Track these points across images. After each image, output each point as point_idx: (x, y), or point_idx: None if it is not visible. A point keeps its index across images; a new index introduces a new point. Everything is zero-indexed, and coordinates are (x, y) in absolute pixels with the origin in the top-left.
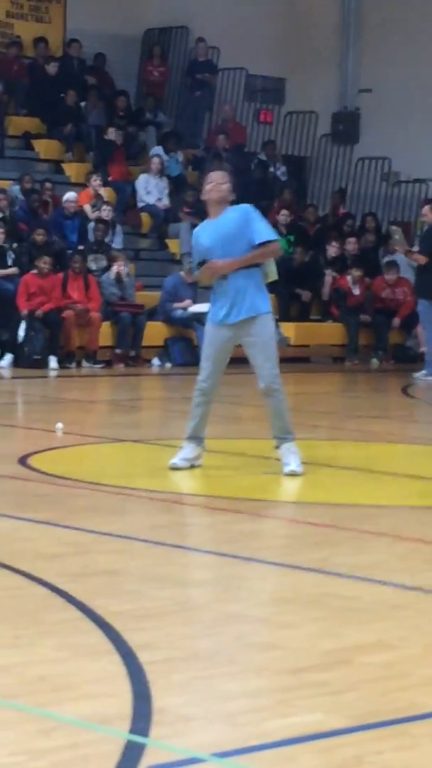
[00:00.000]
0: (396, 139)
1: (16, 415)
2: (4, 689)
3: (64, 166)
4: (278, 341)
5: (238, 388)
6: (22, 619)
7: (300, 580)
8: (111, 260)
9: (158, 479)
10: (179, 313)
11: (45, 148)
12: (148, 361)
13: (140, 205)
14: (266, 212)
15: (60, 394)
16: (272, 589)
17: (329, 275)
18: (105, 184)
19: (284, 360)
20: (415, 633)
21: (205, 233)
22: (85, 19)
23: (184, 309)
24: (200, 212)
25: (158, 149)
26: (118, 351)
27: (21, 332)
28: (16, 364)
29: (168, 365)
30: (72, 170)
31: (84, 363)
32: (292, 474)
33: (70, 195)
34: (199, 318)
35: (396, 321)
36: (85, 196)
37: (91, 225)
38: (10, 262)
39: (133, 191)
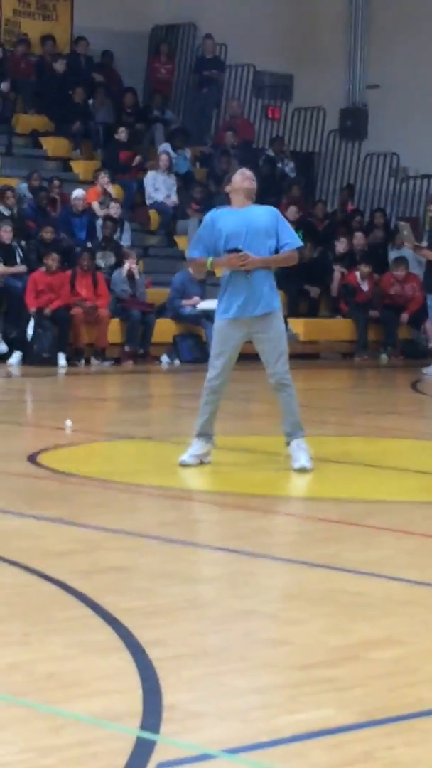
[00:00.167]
0: (404, 134)
1: (25, 413)
2: (14, 687)
3: (72, 163)
4: (287, 337)
5: (248, 385)
6: (31, 616)
7: (309, 576)
8: (123, 257)
9: (167, 476)
10: (188, 310)
11: (53, 145)
12: (157, 358)
13: (148, 202)
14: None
15: (69, 391)
16: (281, 586)
17: (338, 271)
18: (113, 180)
19: (293, 356)
20: (423, 629)
21: (228, 219)
22: (92, 16)
23: (193, 306)
24: (208, 209)
25: (166, 146)
26: (127, 348)
27: (30, 330)
28: (25, 361)
29: (177, 362)
30: (80, 168)
31: (93, 360)
32: (302, 470)
33: (78, 192)
34: (208, 315)
35: (404, 316)
36: (93, 193)
37: (99, 222)
38: (18, 259)
39: (141, 188)
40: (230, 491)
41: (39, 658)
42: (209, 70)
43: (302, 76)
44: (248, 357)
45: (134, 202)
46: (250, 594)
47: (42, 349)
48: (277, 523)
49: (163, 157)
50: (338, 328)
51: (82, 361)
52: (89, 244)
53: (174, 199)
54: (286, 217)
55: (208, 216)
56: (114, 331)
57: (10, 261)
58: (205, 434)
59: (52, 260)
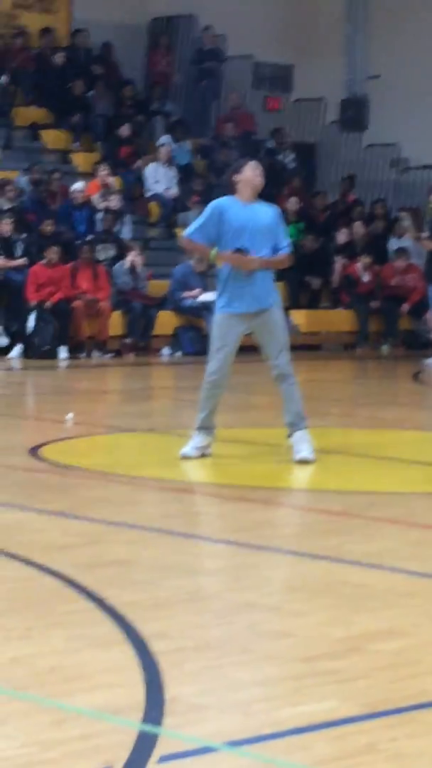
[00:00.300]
0: (404, 125)
1: (27, 406)
2: (16, 680)
3: (72, 156)
4: (288, 329)
5: (249, 377)
6: (33, 610)
7: (311, 568)
8: (125, 250)
9: (169, 468)
10: (189, 302)
11: (52, 138)
12: (158, 350)
13: (149, 194)
14: (275, 200)
15: (70, 384)
16: (283, 578)
17: (339, 262)
18: (113, 173)
19: (295, 348)
20: (426, 620)
21: (236, 212)
22: (91, 8)
23: (194, 298)
24: (209, 201)
25: (166, 138)
26: (128, 340)
27: (31, 323)
28: (26, 354)
29: (178, 354)
30: (80, 160)
31: (94, 353)
32: (304, 461)
33: (78, 185)
34: (209, 307)
35: (405, 307)
36: (93, 186)
37: (100, 215)
38: (18, 252)
39: (140, 180)
40: (232, 483)
41: (41, 651)
42: (209, 61)
43: (302, 66)
44: (249, 349)
45: (133, 194)
46: (252, 586)
47: (43, 342)
48: (279, 515)
49: (164, 149)
50: (339, 320)
51: (84, 354)
52: (90, 237)
53: (174, 191)
54: (285, 211)
55: (215, 206)
56: (115, 323)
57: (10, 254)
58: (207, 427)
59: (53, 253)
